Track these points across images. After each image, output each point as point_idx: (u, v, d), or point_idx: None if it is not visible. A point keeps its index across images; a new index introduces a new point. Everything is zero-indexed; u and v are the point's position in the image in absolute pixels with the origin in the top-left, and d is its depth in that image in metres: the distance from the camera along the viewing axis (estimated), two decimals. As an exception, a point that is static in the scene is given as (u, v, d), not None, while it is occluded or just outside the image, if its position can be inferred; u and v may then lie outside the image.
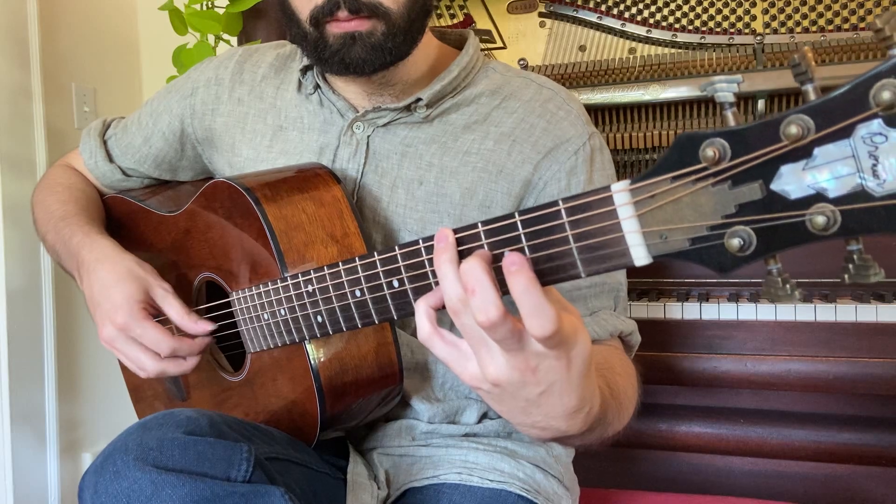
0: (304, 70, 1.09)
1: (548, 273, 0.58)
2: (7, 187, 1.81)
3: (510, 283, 0.56)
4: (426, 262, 0.67)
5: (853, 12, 1.63)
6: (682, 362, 1.40)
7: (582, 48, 1.77)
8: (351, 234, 0.96)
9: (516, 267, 0.56)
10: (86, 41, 2.14)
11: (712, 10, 1.70)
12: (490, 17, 1.82)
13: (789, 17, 1.66)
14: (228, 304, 1.02)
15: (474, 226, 0.61)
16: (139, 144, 1.24)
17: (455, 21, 1.86)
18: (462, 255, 0.61)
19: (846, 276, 0.47)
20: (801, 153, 0.46)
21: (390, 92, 1.04)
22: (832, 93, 0.45)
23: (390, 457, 1.08)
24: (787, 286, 0.49)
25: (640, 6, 1.73)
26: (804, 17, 1.66)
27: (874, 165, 0.44)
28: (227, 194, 0.98)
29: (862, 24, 1.62)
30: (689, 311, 1.40)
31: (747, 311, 1.37)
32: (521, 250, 0.59)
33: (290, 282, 0.87)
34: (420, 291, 0.69)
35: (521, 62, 1.75)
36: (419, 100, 1.02)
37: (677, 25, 1.71)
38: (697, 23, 1.71)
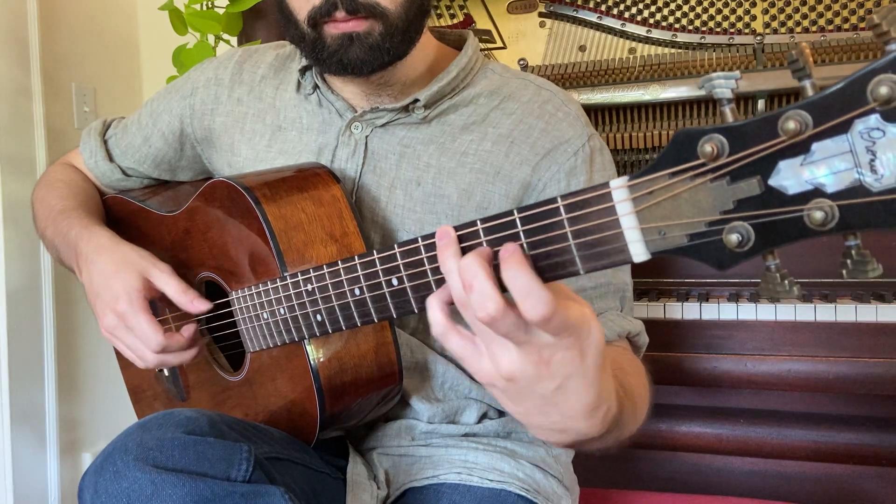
0: (303, 70, 1.09)
1: (546, 270, 0.58)
2: (7, 187, 1.81)
3: (502, 272, 0.56)
4: (425, 261, 0.67)
5: (853, 12, 1.63)
6: (682, 362, 1.40)
7: (582, 48, 1.77)
8: (350, 234, 0.96)
9: (507, 254, 0.57)
10: (86, 41, 2.14)
11: (712, 10, 1.70)
12: (490, 17, 1.82)
13: (789, 17, 1.66)
14: (228, 304, 1.02)
15: (473, 223, 0.61)
16: (139, 144, 1.24)
17: (455, 21, 1.86)
18: (462, 253, 0.61)
19: (844, 272, 0.47)
20: (798, 149, 0.46)
21: (388, 92, 1.04)
22: (830, 88, 0.45)
23: (390, 457, 1.08)
24: (786, 282, 0.49)
25: (640, 6, 1.73)
26: (804, 17, 1.66)
27: (872, 160, 0.44)
28: (227, 194, 0.98)
29: (862, 24, 1.62)
30: (689, 311, 1.40)
31: (747, 311, 1.37)
32: (520, 248, 0.59)
33: (289, 281, 0.87)
34: (419, 290, 0.69)
35: (521, 62, 1.75)
36: (416, 100, 1.02)
37: (677, 25, 1.71)
38: (697, 23, 1.71)
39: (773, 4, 1.67)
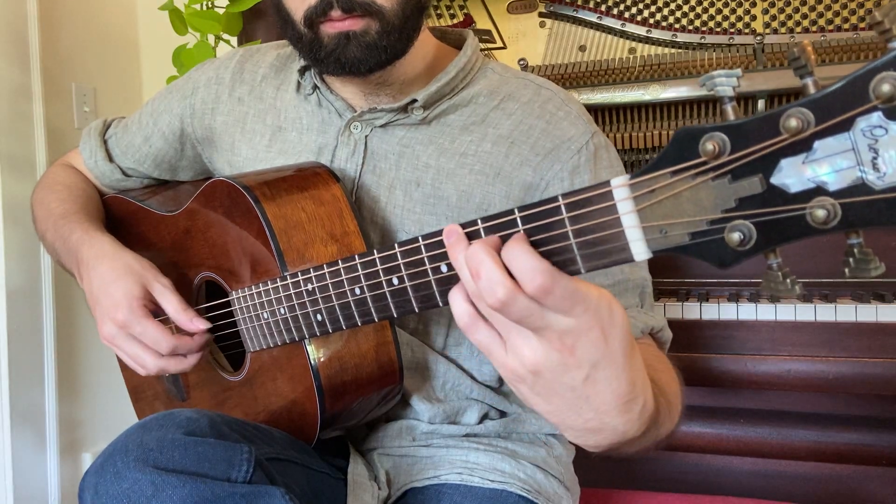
0: (303, 70, 1.09)
1: None
2: (7, 187, 1.81)
3: (503, 256, 0.56)
4: (426, 260, 0.67)
5: (853, 12, 1.63)
6: (682, 362, 1.39)
7: (582, 48, 1.77)
8: (350, 234, 0.96)
9: (510, 239, 0.57)
10: (86, 41, 2.14)
11: (712, 10, 1.70)
12: (490, 17, 1.82)
13: (789, 17, 1.66)
14: (228, 304, 1.02)
15: (474, 223, 0.61)
16: (139, 144, 1.24)
17: (455, 21, 1.85)
18: None
19: (847, 270, 0.47)
20: (800, 146, 0.46)
21: (387, 92, 1.04)
22: (832, 86, 0.45)
23: (391, 457, 1.08)
24: (788, 281, 0.49)
25: (640, 6, 1.73)
26: (804, 17, 1.66)
27: (874, 158, 0.44)
28: (227, 193, 0.98)
29: (862, 24, 1.62)
30: (689, 311, 1.40)
31: (747, 311, 1.37)
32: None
33: (289, 280, 0.87)
34: (420, 289, 0.69)
35: (521, 62, 1.74)
36: (414, 101, 1.01)
37: (677, 25, 1.71)
38: (697, 23, 1.71)
39: (773, 4, 1.67)
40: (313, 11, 0.93)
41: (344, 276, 0.77)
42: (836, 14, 1.64)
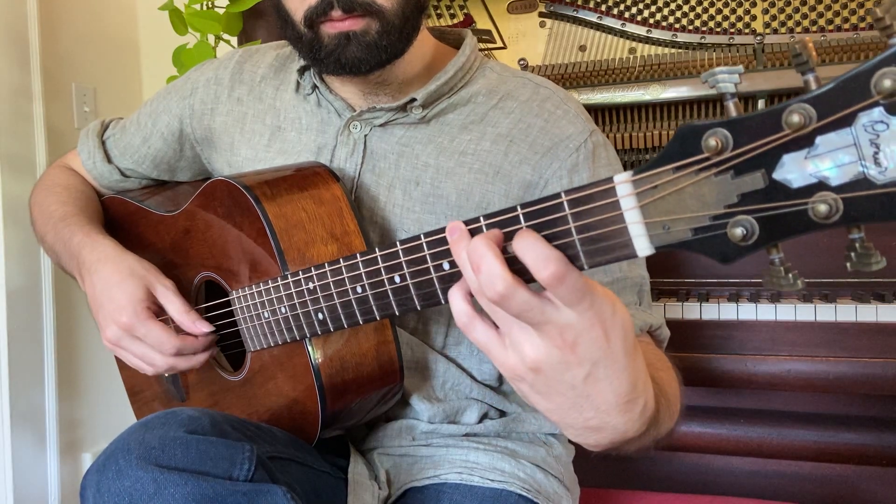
0: (302, 70, 1.09)
1: None
2: (7, 187, 1.81)
3: (515, 247, 0.56)
4: (427, 258, 0.67)
5: (853, 12, 1.63)
6: (682, 362, 1.39)
7: (582, 48, 1.77)
8: (351, 233, 0.96)
9: (522, 230, 0.57)
10: (86, 41, 2.14)
11: (712, 10, 1.70)
12: (490, 17, 1.82)
13: (789, 17, 1.66)
14: (228, 304, 1.02)
15: (476, 220, 0.61)
16: (138, 145, 1.24)
17: (455, 21, 1.86)
18: None
19: (848, 265, 0.47)
20: (802, 142, 0.46)
21: (386, 91, 1.04)
22: (833, 81, 0.45)
23: (391, 457, 1.08)
24: (790, 275, 0.49)
25: (640, 6, 1.73)
26: (804, 17, 1.66)
27: (876, 153, 0.44)
28: (227, 193, 0.98)
29: (862, 24, 1.62)
30: (689, 311, 1.40)
31: (747, 311, 1.37)
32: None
33: (290, 279, 0.87)
34: (422, 287, 0.69)
35: (521, 62, 1.75)
36: (413, 100, 1.01)
37: (677, 25, 1.71)
38: (697, 23, 1.71)
39: (773, 4, 1.67)
40: (313, 11, 0.93)
41: (345, 275, 0.77)
42: (836, 14, 1.64)
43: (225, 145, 1.16)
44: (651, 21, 1.73)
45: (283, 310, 0.89)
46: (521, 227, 0.58)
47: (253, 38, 1.84)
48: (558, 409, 0.62)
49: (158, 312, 1.02)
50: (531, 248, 0.55)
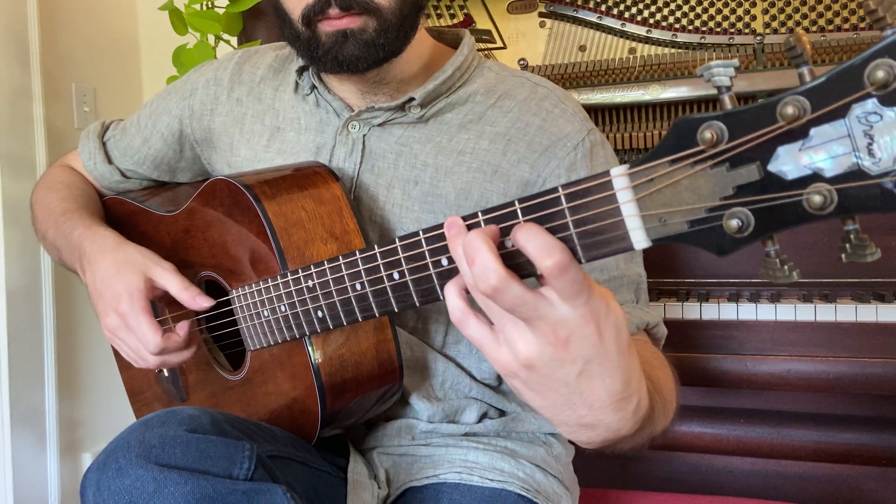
0: (301, 71, 1.09)
1: None
2: (7, 187, 1.81)
3: (516, 239, 0.56)
4: (426, 254, 0.67)
5: (853, 12, 1.63)
6: (681, 362, 1.39)
7: (582, 48, 1.77)
8: (350, 232, 0.96)
9: (522, 222, 0.57)
10: (86, 41, 2.14)
11: (712, 10, 1.70)
12: (490, 17, 1.82)
13: (789, 17, 1.66)
14: (228, 302, 1.02)
15: (475, 215, 0.61)
16: (138, 146, 1.24)
17: (455, 21, 1.86)
18: None
19: (843, 256, 0.47)
20: (797, 134, 0.46)
21: (384, 90, 1.04)
22: (827, 73, 0.45)
23: (390, 456, 1.08)
24: (786, 267, 0.49)
25: (640, 6, 1.73)
26: (804, 17, 1.66)
27: (869, 144, 0.44)
28: (227, 192, 0.98)
29: (862, 24, 1.62)
30: (689, 311, 1.40)
31: (747, 311, 1.37)
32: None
33: (290, 277, 0.87)
34: (420, 283, 0.69)
35: (521, 62, 1.75)
36: (412, 99, 1.02)
37: (677, 25, 1.72)
38: (697, 23, 1.71)
39: (773, 4, 1.67)
40: (311, 10, 0.94)
41: (345, 272, 0.77)
42: (836, 14, 1.64)
43: (224, 146, 1.16)
44: (651, 21, 1.73)
45: (282, 308, 0.90)
46: (520, 222, 0.58)
47: (253, 39, 1.84)
48: (552, 405, 0.62)
49: (162, 298, 1.02)
50: (534, 238, 0.55)
